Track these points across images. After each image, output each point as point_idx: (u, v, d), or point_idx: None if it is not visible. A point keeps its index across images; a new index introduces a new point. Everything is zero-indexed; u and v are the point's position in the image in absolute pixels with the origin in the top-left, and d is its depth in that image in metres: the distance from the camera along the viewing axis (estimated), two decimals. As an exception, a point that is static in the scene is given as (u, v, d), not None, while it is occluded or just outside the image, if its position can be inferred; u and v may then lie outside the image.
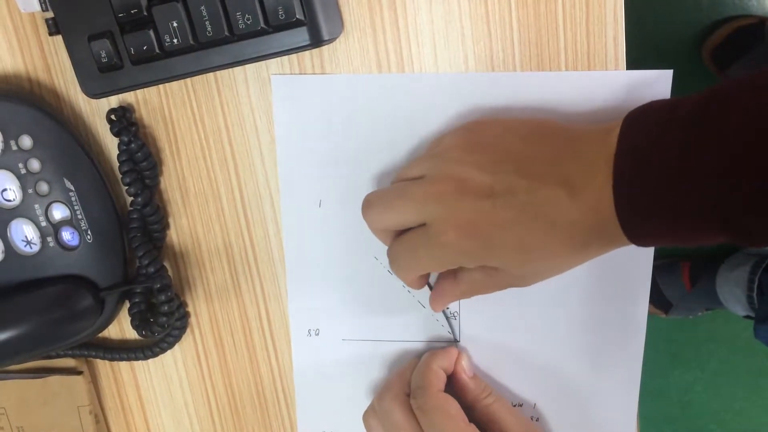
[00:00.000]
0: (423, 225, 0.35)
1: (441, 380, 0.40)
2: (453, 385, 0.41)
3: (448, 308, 0.42)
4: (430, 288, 0.41)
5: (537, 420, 0.43)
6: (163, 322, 0.41)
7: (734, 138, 0.28)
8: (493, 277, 0.36)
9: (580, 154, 0.33)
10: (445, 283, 0.39)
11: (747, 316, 1.03)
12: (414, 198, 0.35)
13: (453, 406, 0.38)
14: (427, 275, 0.40)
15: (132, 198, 0.41)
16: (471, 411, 0.40)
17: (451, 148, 0.36)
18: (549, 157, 0.34)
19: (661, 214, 0.30)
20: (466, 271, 0.37)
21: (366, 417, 0.42)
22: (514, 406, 0.43)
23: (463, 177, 0.34)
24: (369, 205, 0.38)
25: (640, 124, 0.31)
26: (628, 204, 0.31)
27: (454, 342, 0.43)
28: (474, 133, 0.37)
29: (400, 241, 0.37)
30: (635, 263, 0.41)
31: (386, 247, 0.39)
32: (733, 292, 1.03)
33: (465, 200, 0.34)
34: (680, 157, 0.29)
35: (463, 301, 0.42)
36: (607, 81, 0.38)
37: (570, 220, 0.32)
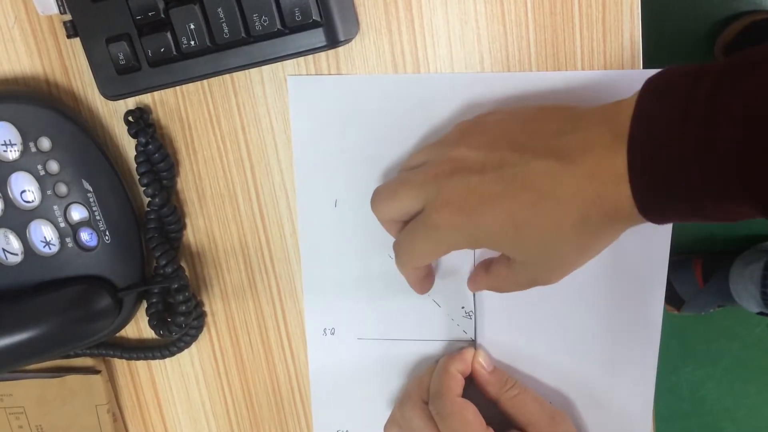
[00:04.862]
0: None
1: (458, 384, 0.40)
2: (475, 383, 0.41)
3: (463, 307, 0.42)
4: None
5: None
6: (180, 321, 0.42)
7: (756, 103, 0.26)
8: (514, 272, 0.35)
9: (580, 127, 0.32)
10: (480, 270, 0.39)
11: (760, 313, 1.03)
12: (413, 183, 0.35)
13: (470, 410, 0.38)
14: (431, 276, 0.40)
15: (149, 199, 0.41)
16: (497, 405, 0.40)
17: (452, 133, 0.37)
18: (548, 133, 0.33)
19: (681, 187, 0.28)
20: (495, 264, 0.37)
21: (387, 427, 0.42)
22: None
23: (457, 158, 0.34)
24: (375, 197, 0.38)
25: (660, 94, 0.29)
26: (645, 175, 0.29)
27: (471, 341, 0.43)
28: (477, 122, 0.37)
29: (402, 232, 0.37)
30: (651, 262, 0.40)
31: None
32: (746, 289, 1.02)
33: (456, 178, 0.33)
34: (704, 126, 0.27)
35: (479, 300, 0.42)
36: (624, 80, 0.37)
37: (562, 190, 0.31)
